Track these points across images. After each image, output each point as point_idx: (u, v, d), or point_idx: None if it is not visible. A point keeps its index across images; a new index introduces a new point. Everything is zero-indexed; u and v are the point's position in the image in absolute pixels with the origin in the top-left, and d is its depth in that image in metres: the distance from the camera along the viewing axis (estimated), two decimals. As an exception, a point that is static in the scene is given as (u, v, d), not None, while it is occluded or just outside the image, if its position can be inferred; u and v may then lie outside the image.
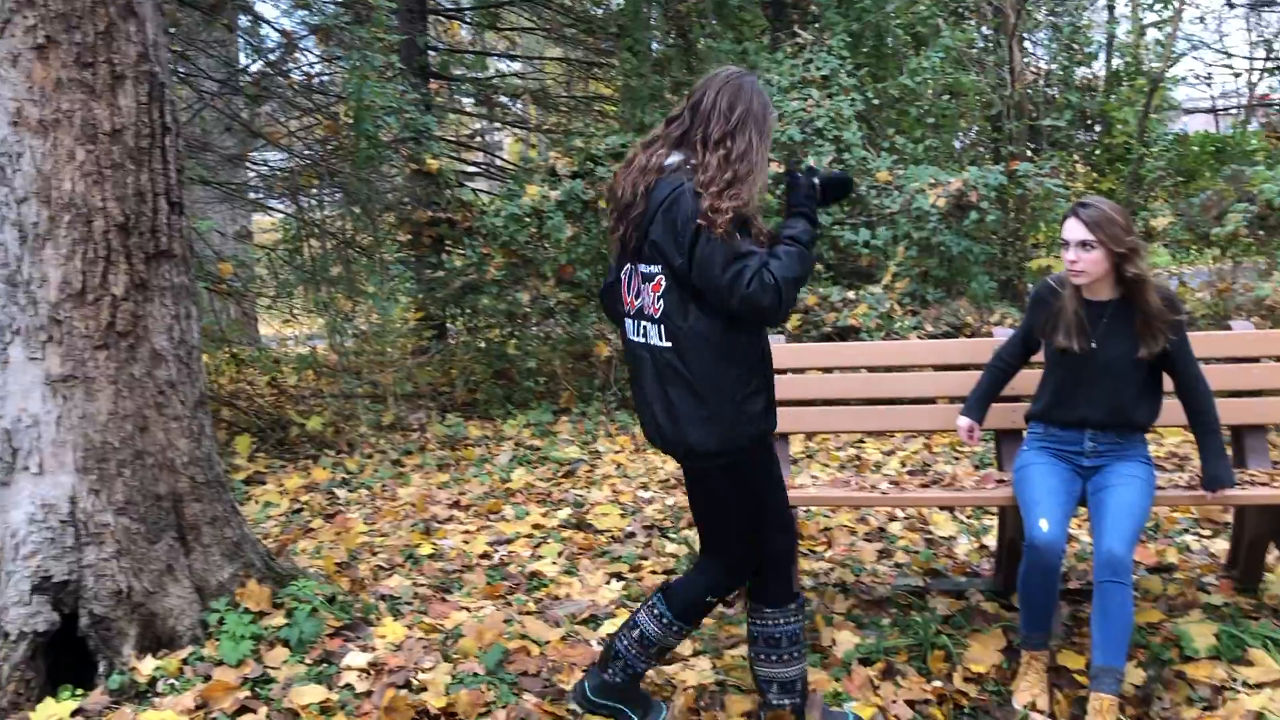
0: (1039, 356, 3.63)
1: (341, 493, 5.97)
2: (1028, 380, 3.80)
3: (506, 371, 8.56)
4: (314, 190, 8.13)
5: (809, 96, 8.80)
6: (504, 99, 12.13)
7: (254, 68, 7.85)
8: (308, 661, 3.37)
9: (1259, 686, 3.26)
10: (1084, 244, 3.24)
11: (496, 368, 8.54)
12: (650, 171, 2.77)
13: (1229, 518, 4.83)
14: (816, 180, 2.88)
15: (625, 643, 3.02)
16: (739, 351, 2.74)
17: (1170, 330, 3.31)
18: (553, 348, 8.33)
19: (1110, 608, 3.06)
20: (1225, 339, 4.00)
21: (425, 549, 4.76)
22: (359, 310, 7.87)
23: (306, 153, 7.79)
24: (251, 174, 8.71)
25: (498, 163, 13.58)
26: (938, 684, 3.33)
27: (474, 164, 13.19)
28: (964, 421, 3.70)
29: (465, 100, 12.55)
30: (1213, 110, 18.01)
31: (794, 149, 8.68)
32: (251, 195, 8.69)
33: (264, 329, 11.11)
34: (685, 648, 3.66)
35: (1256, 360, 3.94)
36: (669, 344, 2.73)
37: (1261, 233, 7.75)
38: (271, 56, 7.79)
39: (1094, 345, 3.33)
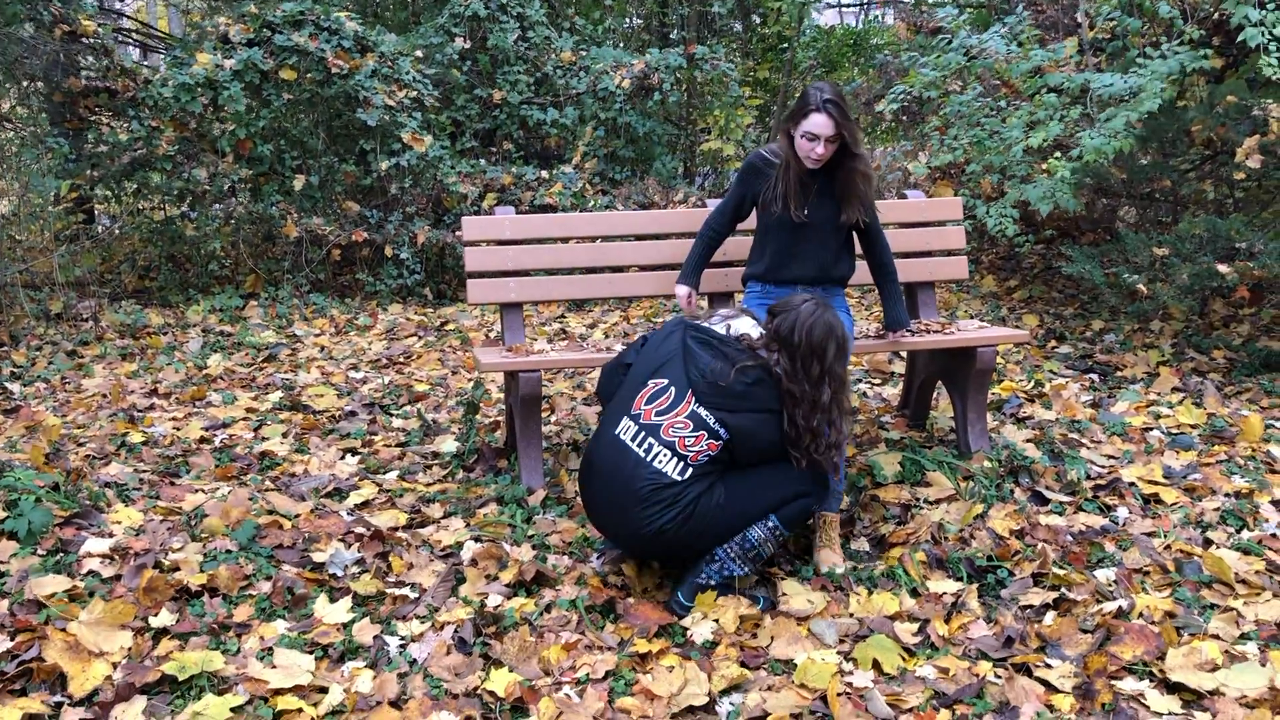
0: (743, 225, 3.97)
1: (15, 387, 5.47)
2: (737, 246, 4.13)
3: (179, 255, 8.02)
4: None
5: (493, -29, 8.70)
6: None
7: None
8: (40, 553, 3.17)
9: (937, 502, 3.83)
10: (830, 139, 3.54)
11: (169, 251, 7.98)
12: (769, 366, 3.08)
13: (894, 368, 5.52)
14: None
15: (726, 549, 3.08)
16: None
17: (867, 211, 3.73)
18: (235, 229, 7.88)
19: None
20: (901, 206, 4.51)
21: (136, 436, 4.50)
22: (9, 190, 7.05)
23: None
24: None
25: (125, 27, 12.38)
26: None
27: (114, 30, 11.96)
28: (683, 289, 3.94)
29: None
30: (839, 6, 19.45)
31: (478, 24, 8.60)
32: None
33: None
34: (435, 510, 3.77)
35: (927, 225, 4.48)
36: (684, 480, 2.99)
37: (905, 119, 8.61)
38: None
39: (806, 212, 3.67)
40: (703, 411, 3.01)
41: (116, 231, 8.59)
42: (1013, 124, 5.69)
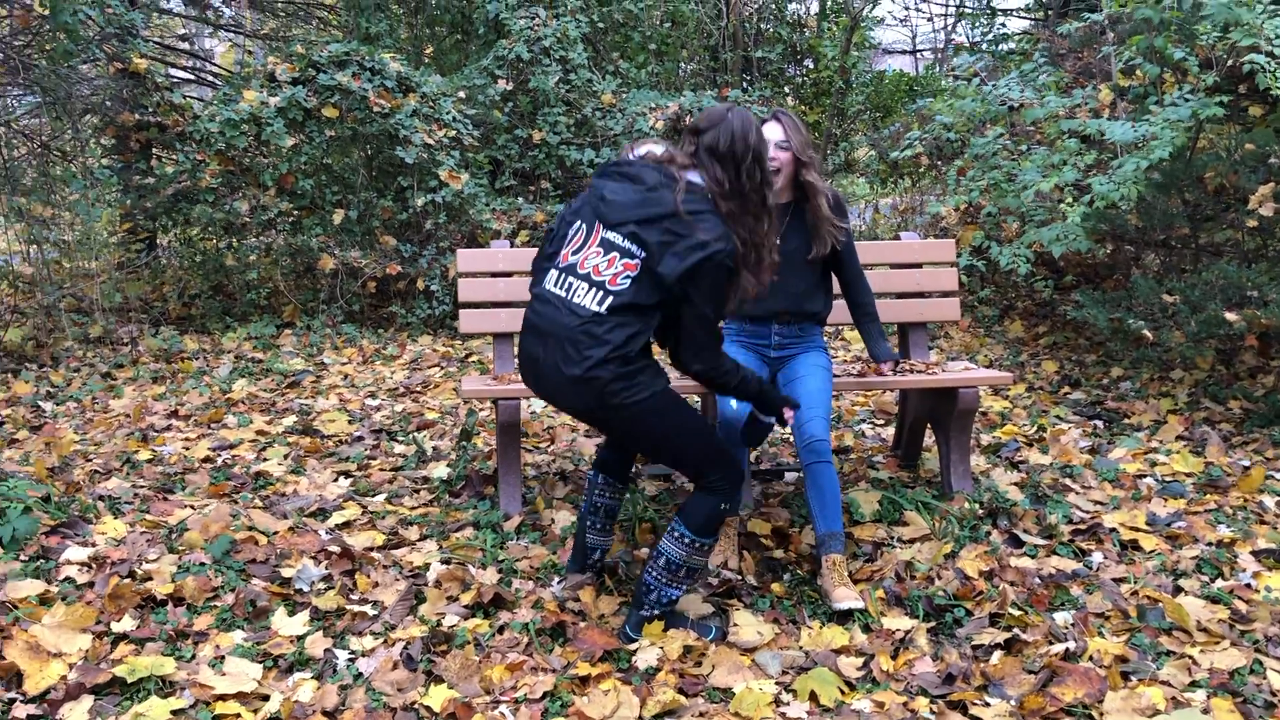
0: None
1: (48, 405, 5.71)
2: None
3: (224, 285, 8.30)
4: (5, 89, 7.50)
5: (536, 15, 8.93)
6: (217, 0, 11.49)
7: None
8: (23, 558, 3.32)
9: (911, 542, 3.82)
10: (780, 144, 3.61)
11: (214, 281, 8.27)
12: (673, 173, 2.88)
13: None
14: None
15: (654, 574, 3.08)
16: (647, 346, 2.93)
17: (838, 233, 3.75)
18: (274, 260, 8.14)
19: (822, 483, 3.46)
20: (894, 247, 4.53)
21: (144, 455, 4.68)
22: (60, 219, 7.39)
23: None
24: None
25: (210, 70, 12.88)
26: (644, 550, 3.69)
27: (184, 69, 12.47)
28: None
29: (174, 2, 11.82)
30: (913, 51, 19.48)
31: (522, 67, 8.81)
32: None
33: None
34: (413, 533, 3.86)
35: (919, 266, 4.50)
36: (604, 311, 2.81)
37: (939, 163, 8.61)
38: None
39: (778, 243, 3.71)
40: (611, 235, 2.87)
41: (171, 260, 8.93)
42: (1027, 168, 5.69)
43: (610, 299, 2.83)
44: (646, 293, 2.83)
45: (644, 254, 2.82)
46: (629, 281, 2.83)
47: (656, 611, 3.11)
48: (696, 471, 3.03)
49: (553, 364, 2.87)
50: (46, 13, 6.60)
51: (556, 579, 3.47)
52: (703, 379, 3.01)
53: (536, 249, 3.19)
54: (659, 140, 3.07)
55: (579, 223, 2.97)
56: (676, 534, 3.05)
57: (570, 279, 2.90)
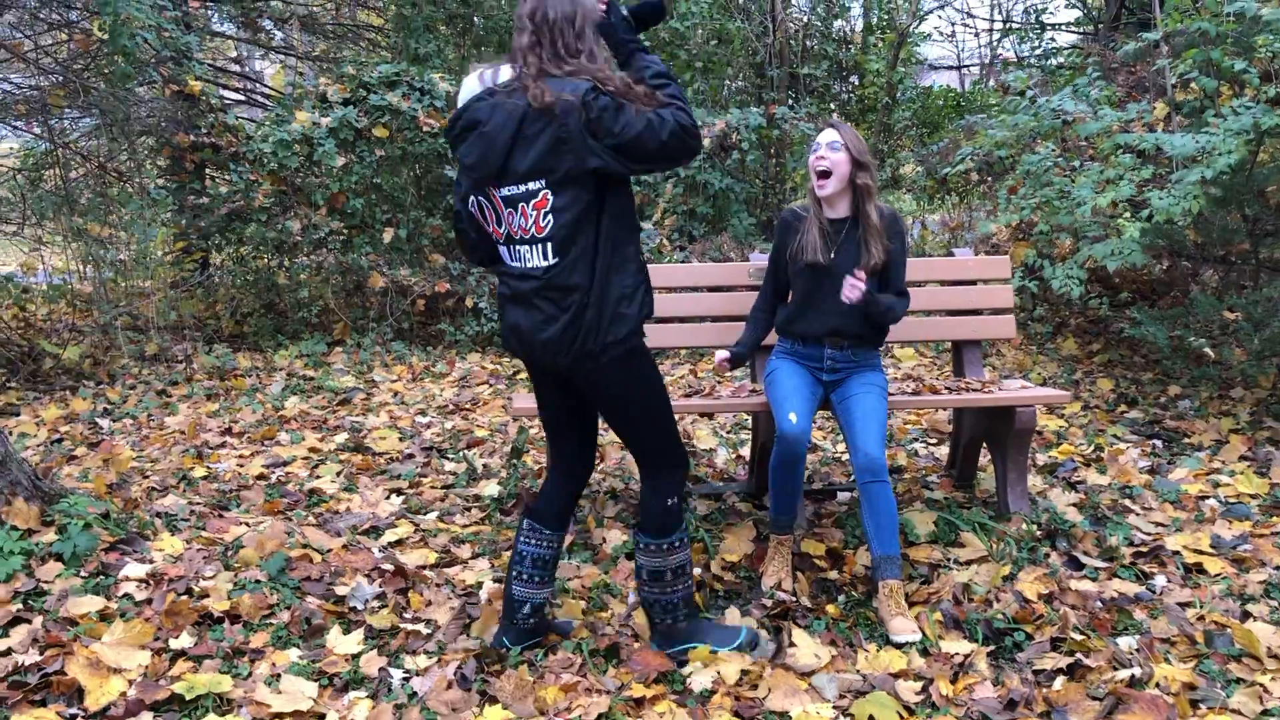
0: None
1: (105, 422, 5.79)
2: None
3: (276, 304, 8.40)
4: (64, 111, 7.65)
5: (582, 34, 8.96)
6: (268, 23, 11.67)
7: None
8: (83, 575, 3.36)
9: (968, 563, 3.76)
10: (832, 145, 3.61)
11: (266, 299, 8.37)
12: (517, 92, 2.71)
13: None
14: (625, 11, 2.90)
15: (648, 590, 3.08)
16: (626, 261, 2.82)
17: (889, 244, 3.69)
18: (325, 279, 8.23)
19: (877, 504, 3.40)
20: (948, 263, 4.48)
21: (199, 472, 4.73)
22: (117, 239, 7.51)
23: (55, 69, 7.32)
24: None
25: (260, 91, 13.06)
26: (696, 571, 3.66)
27: (236, 90, 12.65)
28: (723, 353, 3.93)
29: (227, 25, 12.00)
30: (959, 67, 19.34)
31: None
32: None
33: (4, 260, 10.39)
34: (465, 551, 3.86)
35: (974, 283, 4.45)
36: (555, 260, 2.74)
37: (990, 179, 8.53)
38: (11, -37, 7.26)
39: (833, 256, 3.69)
40: (505, 191, 2.76)
41: (222, 279, 9.05)
42: (1081, 184, 5.61)
43: (550, 244, 2.74)
44: (572, 206, 2.72)
45: (541, 180, 2.71)
46: (550, 215, 2.73)
47: (669, 620, 3.09)
48: (656, 447, 2.97)
49: (535, 327, 2.81)
50: (105, 37, 6.74)
51: (627, 600, 3.44)
52: (682, 134, 2.69)
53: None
54: (486, 64, 2.88)
55: (474, 198, 2.85)
56: (642, 545, 3.05)
57: (516, 248, 2.81)
